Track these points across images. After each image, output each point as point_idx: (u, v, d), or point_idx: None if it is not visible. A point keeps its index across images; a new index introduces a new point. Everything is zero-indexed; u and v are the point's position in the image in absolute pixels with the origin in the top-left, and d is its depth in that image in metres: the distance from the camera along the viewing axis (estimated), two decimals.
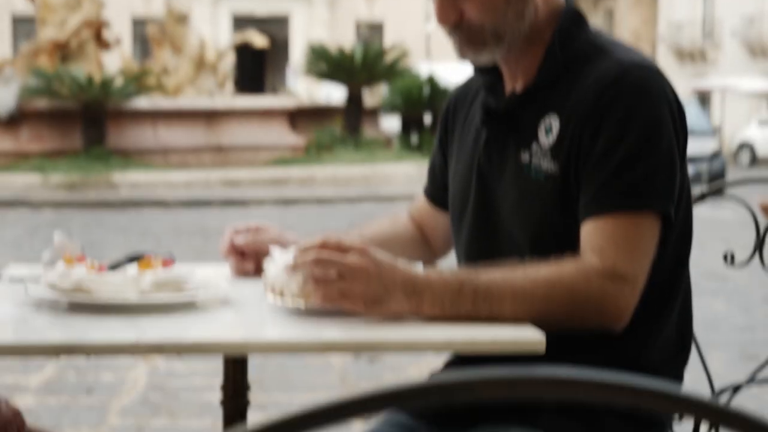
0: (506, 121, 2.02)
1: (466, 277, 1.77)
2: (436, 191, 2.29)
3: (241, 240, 2.23)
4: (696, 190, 2.28)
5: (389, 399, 0.72)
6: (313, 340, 1.67)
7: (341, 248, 1.76)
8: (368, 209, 15.40)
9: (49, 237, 2.15)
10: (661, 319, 1.97)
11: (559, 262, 1.82)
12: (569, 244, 1.89)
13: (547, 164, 1.93)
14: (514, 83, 2.06)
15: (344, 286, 1.74)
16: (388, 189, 18.46)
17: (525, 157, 1.97)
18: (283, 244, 2.21)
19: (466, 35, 1.97)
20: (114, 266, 2.06)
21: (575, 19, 2.01)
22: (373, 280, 1.74)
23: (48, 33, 20.63)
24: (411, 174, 19.77)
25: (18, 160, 18.74)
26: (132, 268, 1.93)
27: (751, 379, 2.30)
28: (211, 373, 5.51)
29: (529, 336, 1.69)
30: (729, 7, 38.36)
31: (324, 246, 1.77)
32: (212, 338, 1.70)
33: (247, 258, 2.25)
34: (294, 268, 1.79)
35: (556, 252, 1.87)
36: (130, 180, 17.96)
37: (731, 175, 23.02)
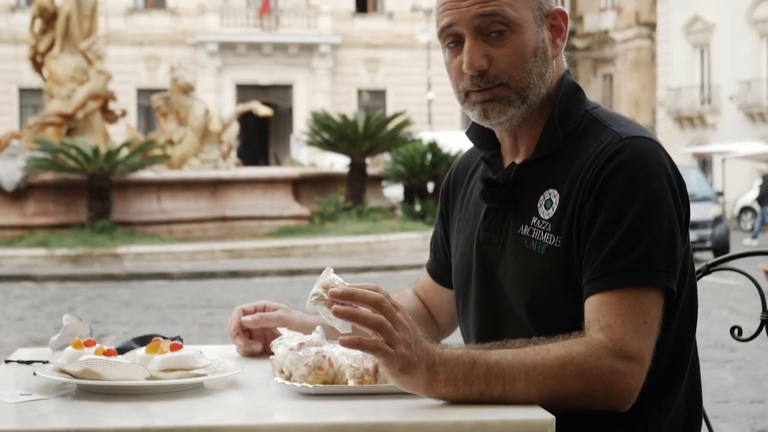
0: (505, 193, 2.03)
1: (478, 355, 1.76)
2: (439, 269, 2.29)
3: (248, 320, 2.23)
4: (700, 256, 2.29)
5: None
6: (322, 424, 1.67)
7: (392, 319, 1.70)
8: (372, 279, 15.35)
9: (54, 312, 2.15)
10: (669, 396, 1.96)
11: (567, 340, 1.81)
12: (569, 316, 1.89)
13: (547, 237, 1.94)
14: (513, 158, 2.07)
15: (388, 350, 1.69)
16: (392, 259, 18.45)
17: (525, 230, 1.98)
18: (290, 322, 2.21)
19: (492, 93, 1.98)
20: (123, 350, 2.06)
21: (573, 94, 2.03)
22: (410, 350, 1.70)
23: (55, 105, 20.73)
24: (415, 243, 19.78)
25: (23, 234, 18.76)
26: (140, 352, 1.93)
27: None
28: None
29: (539, 417, 1.68)
30: (726, 73, 38.58)
31: (379, 307, 1.70)
32: (221, 423, 1.69)
33: (255, 338, 2.25)
34: (342, 315, 1.71)
35: (555, 324, 1.87)
36: (134, 252, 17.96)
37: (734, 239, 22.98)
